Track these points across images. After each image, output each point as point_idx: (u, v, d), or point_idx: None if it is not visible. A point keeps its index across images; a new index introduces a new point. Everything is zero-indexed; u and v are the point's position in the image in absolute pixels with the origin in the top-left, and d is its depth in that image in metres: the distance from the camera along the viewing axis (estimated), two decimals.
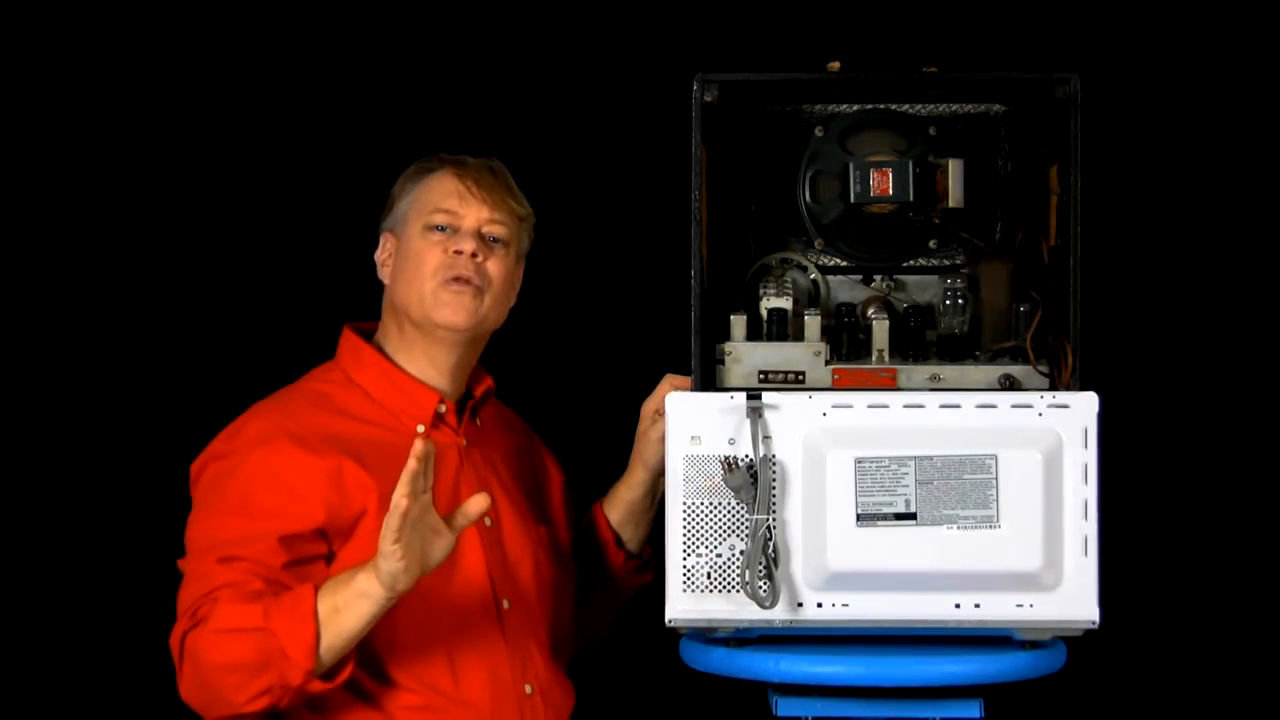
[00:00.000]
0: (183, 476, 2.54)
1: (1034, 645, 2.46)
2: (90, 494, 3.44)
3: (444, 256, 2.55)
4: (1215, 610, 3.48)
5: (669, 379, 2.60)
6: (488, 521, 2.56)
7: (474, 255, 2.55)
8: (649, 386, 2.63)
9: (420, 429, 2.55)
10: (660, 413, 2.59)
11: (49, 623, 3.43)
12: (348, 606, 2.31)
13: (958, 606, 2.43)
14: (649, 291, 3.31)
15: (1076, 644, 2.51)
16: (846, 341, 2.57)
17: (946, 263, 2.66)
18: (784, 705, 2.46)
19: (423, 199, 2.60)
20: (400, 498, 2.23)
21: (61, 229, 3.44)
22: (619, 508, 2.74)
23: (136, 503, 3.39)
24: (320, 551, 2.43)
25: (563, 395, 3.39)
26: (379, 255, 2.64)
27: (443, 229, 2.57)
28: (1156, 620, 3.44)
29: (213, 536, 2.40)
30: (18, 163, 3.43)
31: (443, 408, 2.58)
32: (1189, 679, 3.48)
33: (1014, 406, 2.44)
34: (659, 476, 2.66)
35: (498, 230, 2.60)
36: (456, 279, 2.54)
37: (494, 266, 2.58)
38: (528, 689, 2.54)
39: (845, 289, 2.68)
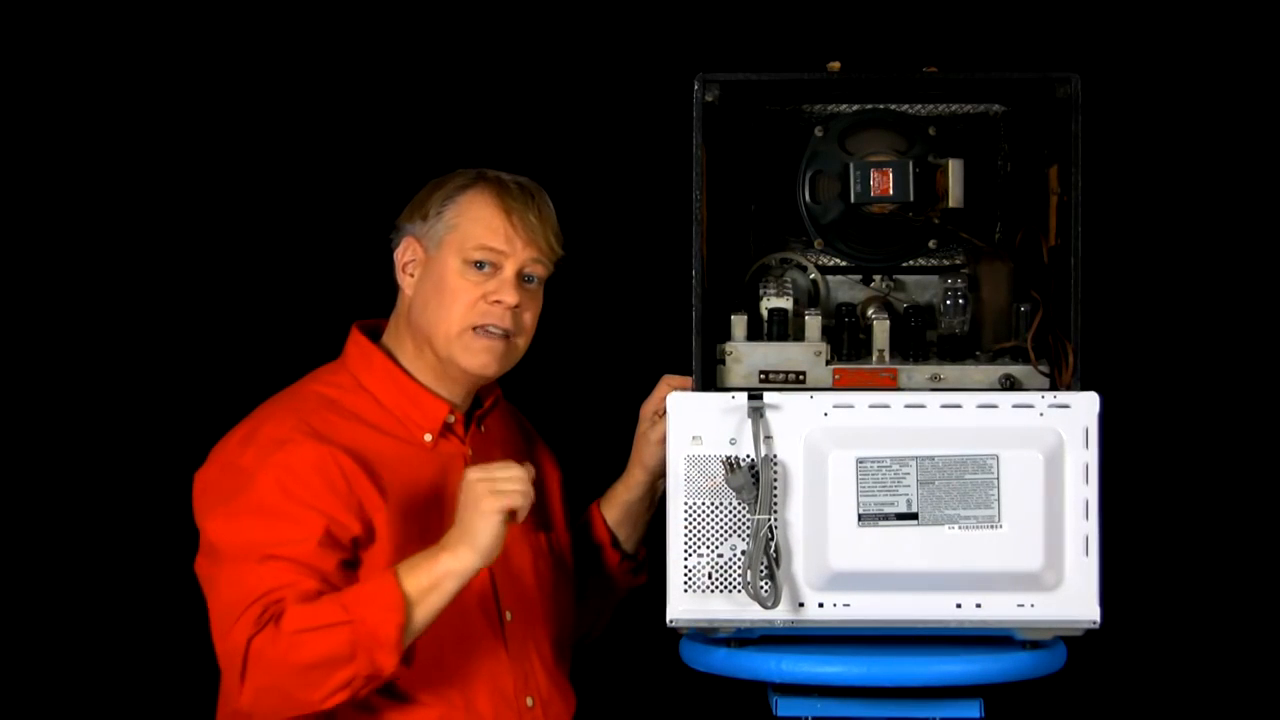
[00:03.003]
0: (179, 475, 2.53)
1: (1034, 645, 2.47)
2: (89, 492, 3.43)
3: (482, 303, 2.50)
4: (1215, 610, 3.48)
5: (666, 380, 2.59)
6: None
7: (516, 305, 2.51)
8: (648, 387, 2.62)
9: (428, 438, 2.55)
10: (659, 414, 2.58)
11: (54, 625, 3.42)
12: (436, 586, 2.34)
13: (959, 606, 2.43)
14: (649, 291, 3.31)
15: (1076, 644, 2.51)
16: (847, 341, 2.58)
17: (946, 263, 2.66)
18: (784, 705, 2.46)
19: (464, 229, 2.52)
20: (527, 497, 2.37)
21: (65, 229, 3.44)
22: (616, 508, 2.74)
23: (135, 500, 3.39)
24: (350, 555, 2.42)
25: (562, 395, 3.39)
26: (400, 257, 2.57)
27: (482, 266, 2.51)
28: (1156, 620, 3.44)
29: (245, 539, 2.37)
30: (27, 161, 3.43)
31: (452, 418, 2.57)
32: (1189, 679, 3.48)
33: (1015, 406, 2.44)
34: (657, 478, 2.66)
35: (537, 269, 2.55)
36: (490, 329, 2.51)
37: (529, 313, 2.55)
38: (529, 701, 2.53)
39: (845, 289, 2.68)
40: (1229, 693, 3.49)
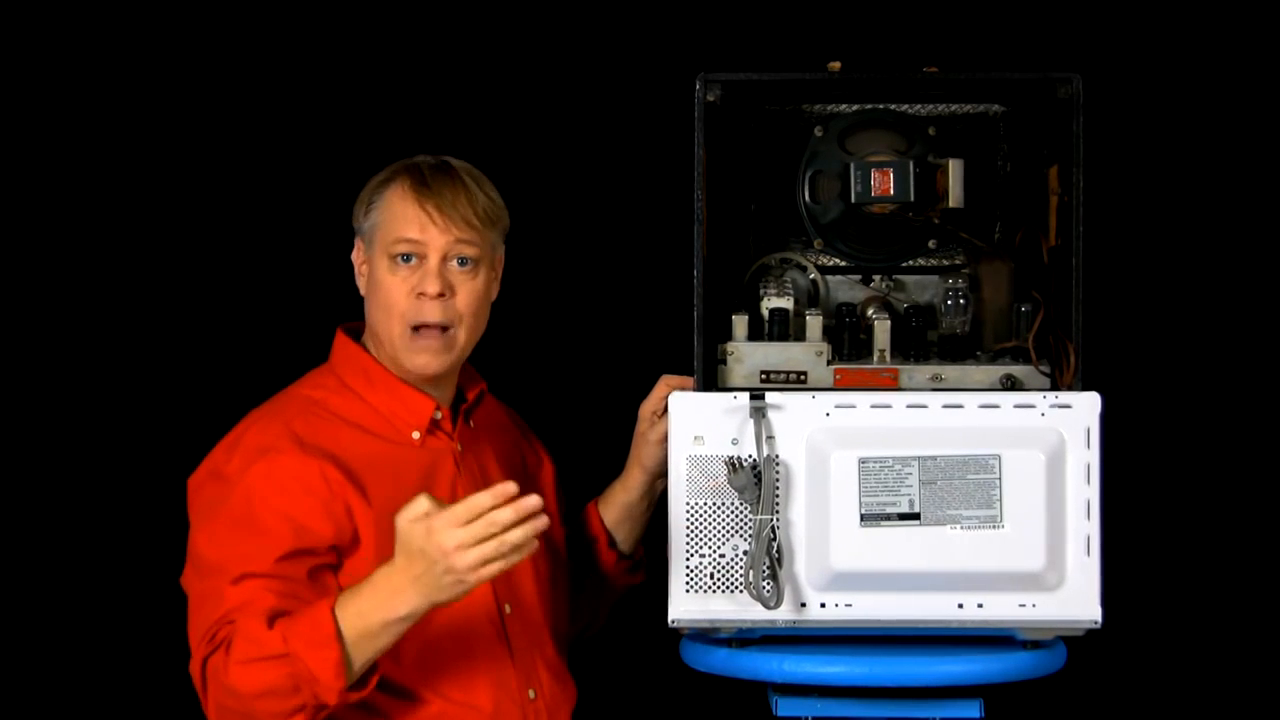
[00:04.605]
0: (174, 482, 2.52)
1: (1035, 645, 2.47)
2: (80, 499, 3.42)
3: (410, 299, 2.47)
4: (1215, 610, 3.48)
5: (665, 380, 2.59)
6: None
7: (440, 294, 2.47)
8: (648, 387, 2.62)
9: (415, 435, 2.54)
10: (658, 414, 2.58)
11: (44, 634, 3.41)
12: (385, 631, 2.29)
13: (961, 606, 2.43)
14: (649, 291, 3.31)
15: (1077, 644, 2.51)
16: (848, 341, 2.58)
17: (946, 263, 2.67)
18: (784, 705, 2.46)
19: (385, 224, 2.50)
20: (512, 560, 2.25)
21: (50, 235, 3.43)
22: (614, 509, 2.73)
23: (128, 509, 3.38)
24: (331, 561, 2.41)
25: (561, 395, 3.39)
26: (355, 259, 2.57)
27: (407, 258, 2.48)
28: (1157, 620, 3.44)
29: (221, 555, 2.36)
30: (13, 173, 3.42)
31: (438, 414, 2.55)
32: (1189, 679, 3.49)
33: (1016, 406, 2.44)
34: (656, 479, 2.65)
35: (465, 250, 2.50)
36: (425, 325, 2.48)
37: (463, 298, 2.49)
38: (531, 694, 2.53)
39: (845, 289, 2.68)
40: (1229, 693, 3.49)
